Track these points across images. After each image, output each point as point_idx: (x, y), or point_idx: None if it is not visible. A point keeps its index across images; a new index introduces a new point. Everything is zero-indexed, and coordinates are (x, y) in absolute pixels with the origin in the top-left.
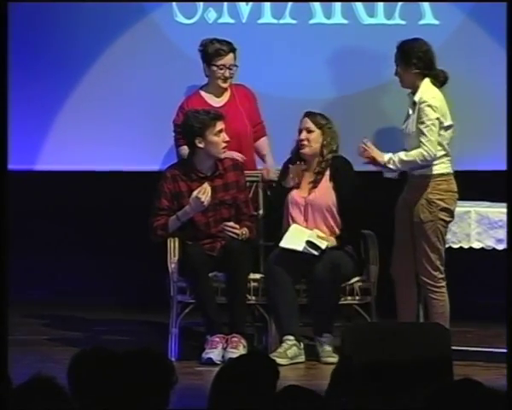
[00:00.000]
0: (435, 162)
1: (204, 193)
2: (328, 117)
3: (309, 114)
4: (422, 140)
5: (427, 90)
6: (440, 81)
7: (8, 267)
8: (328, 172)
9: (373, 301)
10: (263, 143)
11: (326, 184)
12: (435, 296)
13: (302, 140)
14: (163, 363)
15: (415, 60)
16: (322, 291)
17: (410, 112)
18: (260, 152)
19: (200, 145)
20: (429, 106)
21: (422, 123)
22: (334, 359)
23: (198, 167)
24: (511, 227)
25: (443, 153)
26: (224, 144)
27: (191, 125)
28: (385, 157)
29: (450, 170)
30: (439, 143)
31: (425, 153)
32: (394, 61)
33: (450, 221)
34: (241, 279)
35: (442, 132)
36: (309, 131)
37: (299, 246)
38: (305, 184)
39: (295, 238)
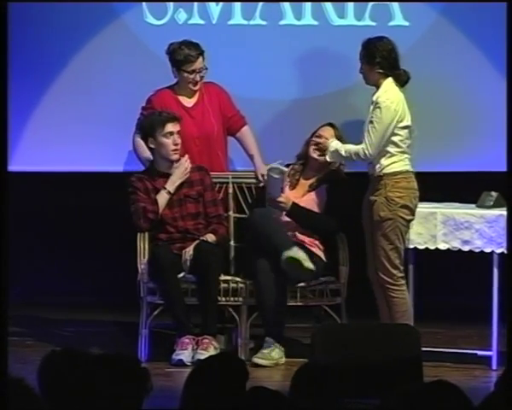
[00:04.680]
0: (393, 160)
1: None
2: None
3: (333, 126)
4: (365, 138)
5: (387, 91)
6: (402, 81)
7: (7, 268)
8: (324, 185)
9: (343, 302)
10: (244, 135)
11: (321, 192)
12: (395, 295)
13: (320, 143)
14: (138, 369)
15: (379, 59)
16: (265, 292)
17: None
18: (245, 148)
19: (152, 146)
20: (384, 107)
21: (371, 122)
22: (267, 361)
23: (158, 167)
24: (511, 227)
25: (399, 151)
26: (174, 147)
27: (143, 125)
28: (330, 145)
29: (409, 168)
30: (394, 143)
31: (361, 151)
32: (359, 59)
33: (410, 220)
34: (212, 281)
35: (397, 132)
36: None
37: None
38: (300, 187)
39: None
